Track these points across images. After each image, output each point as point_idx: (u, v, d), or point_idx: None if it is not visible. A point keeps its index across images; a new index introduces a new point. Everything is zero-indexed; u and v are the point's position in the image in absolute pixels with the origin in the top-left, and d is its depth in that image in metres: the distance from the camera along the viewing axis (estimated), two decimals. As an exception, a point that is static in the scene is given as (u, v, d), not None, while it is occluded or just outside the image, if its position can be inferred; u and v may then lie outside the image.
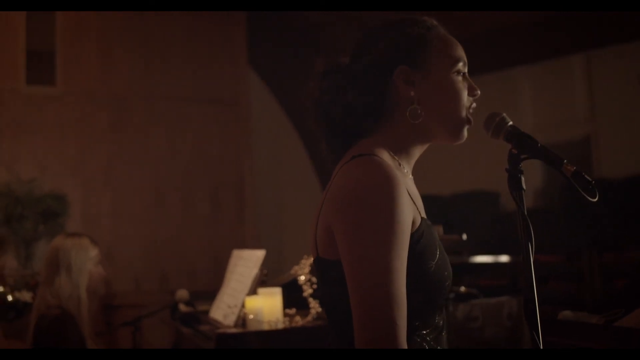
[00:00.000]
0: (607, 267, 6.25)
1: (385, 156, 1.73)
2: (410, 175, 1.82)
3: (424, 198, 1.82)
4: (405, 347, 1.50)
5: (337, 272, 1.62)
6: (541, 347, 1.56)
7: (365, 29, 1.86)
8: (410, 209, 1.61)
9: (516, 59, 8.25)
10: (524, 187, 1.68)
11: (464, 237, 4.40)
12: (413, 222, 1.62)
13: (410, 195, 1.67)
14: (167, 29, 7.98)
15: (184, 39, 8.12)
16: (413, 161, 1.83)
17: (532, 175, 7.95)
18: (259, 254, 3.84)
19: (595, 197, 1.60)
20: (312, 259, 3.53)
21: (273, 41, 9.27)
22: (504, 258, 5.14)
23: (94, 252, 3.90)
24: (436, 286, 1.67)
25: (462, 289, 4.30)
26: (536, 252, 1.63)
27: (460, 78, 1.78)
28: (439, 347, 1.71)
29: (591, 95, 7.97)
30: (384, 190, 1.56)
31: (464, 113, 1.77)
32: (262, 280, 3.86)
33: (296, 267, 3.73)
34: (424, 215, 1.74)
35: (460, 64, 1.78)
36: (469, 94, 1.79)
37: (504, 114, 1.74)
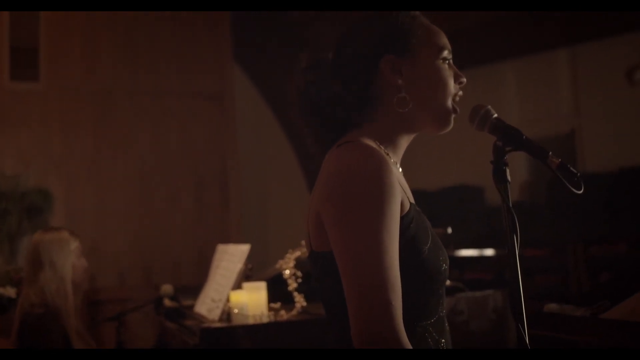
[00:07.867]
0: (593, 261, 6.28)
1: (372, 145, 1.71)
2: (399, 166, 1.81)
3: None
4: (402, 327, 1.48)
5: (332, 265, 1.59)
6: (526, 339, 1.56)
7: (349, 23, 1.86)
8: (399, 191, 1.60)
9: (502, 53, 8.27)
10: (509, 179, 1.68)
11: (449, 230, 4.42)
12: (402, 205, 1.61)
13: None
14: (151, 24, 7.94)
15: (168, 34, 8.10)
16: (401, 152, 1.82)
17: (518, 168, 7.98)
18: (244, 249, 3.84)
19: (580, 189, 1.61)
20: (296, 253, 3.54)
21: (258, 37, 9.26)
22: (490, 252, 5.16)
23: (74, 245, 3.86)
24: (432, 271, 1.65)
25: (448, 282, 4.29)
26: (522, 246, 1.62)
27: (446, 66, 1.78)
28: (443, 340, 1.69)
29: (576, 89, 8.01)
30: (372, 173, 1.55)
31: (450, 101, 1.77)
32: (247, 275, 3.85)
33: (281, 262, 3.71)
34: (412, 201, 1.72)
35: (446, 52, 1.78)
36: (455, 82, 1.79)
37: (489, 107, 1.74)
